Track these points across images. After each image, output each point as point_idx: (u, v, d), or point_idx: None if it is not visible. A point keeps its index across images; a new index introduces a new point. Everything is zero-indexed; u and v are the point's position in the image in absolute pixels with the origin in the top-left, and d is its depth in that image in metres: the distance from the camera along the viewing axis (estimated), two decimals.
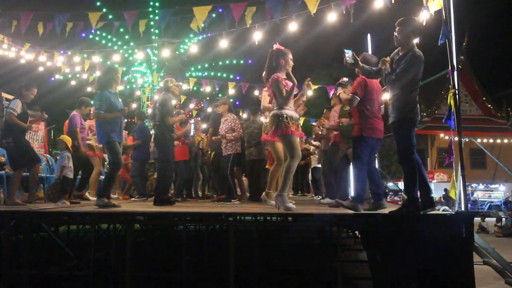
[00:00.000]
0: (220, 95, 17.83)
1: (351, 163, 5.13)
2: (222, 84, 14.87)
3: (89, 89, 14.84)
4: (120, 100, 5.94)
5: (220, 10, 8.81)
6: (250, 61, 22.01)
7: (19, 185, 6.84)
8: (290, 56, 5.20)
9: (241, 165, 8.99)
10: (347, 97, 5.25)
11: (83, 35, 14.80)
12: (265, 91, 6.26)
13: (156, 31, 18.54)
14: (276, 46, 5.23)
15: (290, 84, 5.07)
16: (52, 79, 14.12)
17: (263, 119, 7.07)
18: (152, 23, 17.55)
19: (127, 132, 9.92)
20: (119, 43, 19.17)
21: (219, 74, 21.32)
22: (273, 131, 5.00)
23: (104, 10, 16.40)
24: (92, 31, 15.38)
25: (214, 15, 10.93)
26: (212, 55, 20.85)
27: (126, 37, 18.84)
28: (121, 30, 16.43)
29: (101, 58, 13.37)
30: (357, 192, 4.84)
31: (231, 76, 21.12)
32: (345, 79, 6.12)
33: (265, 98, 6.53)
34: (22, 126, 6.10)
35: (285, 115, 4.91)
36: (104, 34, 18.94)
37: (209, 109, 15.59)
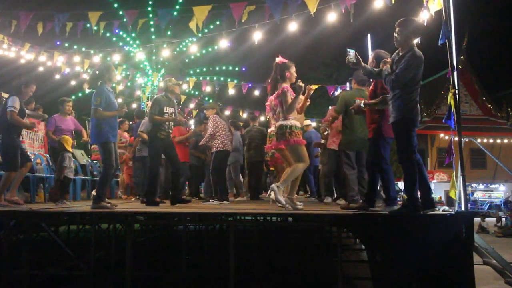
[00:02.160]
0: (207, 99, 17.87)
1: (376, 165, 5.06)
2: (222, 84, 14.86)
3: (85, 87, 14.79)
4: (118, 99, 5.94)
5: (223, 17, 8.84)
6: (244, 69, 21.99)
7: (19, 185, 6.83)
8: (294, 69, 5.40)
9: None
10: (374, 101, 5.01)
11: (117, 31, 14.77)
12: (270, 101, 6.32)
13: (168, 33, 18.50)
14: (279, 59, 5.41)
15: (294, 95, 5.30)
16: (66, 72, 13.96)
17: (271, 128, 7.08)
18: (151, 22, 17.53)
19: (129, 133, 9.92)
20: (127, 38, 19.06)
21: (215, 78, 21.27)
22: (280, 140, 5.25)
23: (116, 5, 16.46)
24: (115, 32, 15.52)
25: (218, 22, 10.90)
26: (212, 55, 20.82)
27: (133, 34, 18.80)
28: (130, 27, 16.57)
29: (101, 57, 13.34)
30: (393, 194, 4.85)
31: (237, 69, 21.22)
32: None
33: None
34: (25, 124, 6.01)
35: (290, 125, 5.16)
36: (108, 34, 18.87)
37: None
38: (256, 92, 13.42)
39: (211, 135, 7.26)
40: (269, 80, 5.49)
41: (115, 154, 5.67)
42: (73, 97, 17.53)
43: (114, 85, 14.35)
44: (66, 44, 13.30)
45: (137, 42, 18.81)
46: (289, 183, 5.19)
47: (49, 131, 7.32)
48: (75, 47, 14.00)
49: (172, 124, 6.62)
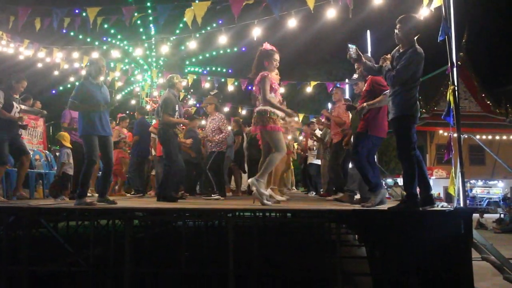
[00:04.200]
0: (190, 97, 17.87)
1: (353, 160, 5.11)
2: (221, 80, 14.82)
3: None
4: (106, 93, 5.63)
5: (220, 22, 8.79)
6: (230, 70, 21.68)
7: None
8: (275, 57, 5.29)
9: (237, 162, 9.02)
10: (378, 99, 5.02)
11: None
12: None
13: (177, 31, 18.53)
14: (264, 45, 5.33)
15: (277, 85, 5.22)
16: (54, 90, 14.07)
17: None
18: (150, 18, 17.52)
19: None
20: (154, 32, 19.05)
21: (216, 71, 21.12)
22: (257, 125, 5.19)
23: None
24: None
25: (214, 25, 10.85)
26: (210, 50, 20.79)
27: (119, 36, 18.77)
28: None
29: (99, 54, 13.29)
30: (373, 180, 4.87)
31: (224, 70, 20.99)
32: (355, 75, 6.01)
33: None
34: (7, 116, 5.96)
35: (268, 110, 5.09)
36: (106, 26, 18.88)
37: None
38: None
39: (226, 136, 7.32)
40: (253, 68, 5.41)
41: (107, 149, 5.51)
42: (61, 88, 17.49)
43: (116, 78, 14.37)
44: (72, 33, 13.27)
45: (125, 42, 18.71)
46: (266, 174, 5.13)
47: (64, 123, 7.15)
48: (80, 36, 13.99)
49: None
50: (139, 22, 18.17)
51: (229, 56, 21.43)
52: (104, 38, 16.56)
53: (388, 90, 4.77)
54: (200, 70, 21.73)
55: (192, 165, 9.09)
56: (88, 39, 16.61)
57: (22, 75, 6.40)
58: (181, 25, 18.46)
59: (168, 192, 6.28)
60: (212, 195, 7.18)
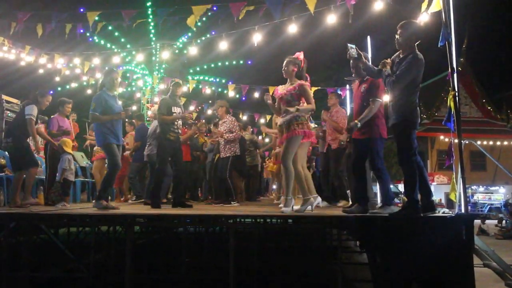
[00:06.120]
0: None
1: (375, 166, 4.98)
2: (221, 86, 14.85)
3: (89, 91, 14.88)
4: (119, 102, 5.98)
5: (213, 33, 8.78)
6: (250, 62, 21.67)
7: (20, 187, 6.83)
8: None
9: (238, 169, 8.99)
10: (368, 110, 4.87)
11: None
12: None
13: (183, 39, 18.60)
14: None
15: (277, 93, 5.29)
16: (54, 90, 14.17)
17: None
18: (152, 23, 17.57)
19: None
20: (122, 40, 19.06)
21: (216, 79, 21.08)
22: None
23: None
24: (92, 37, 15.68)
25: (209, 13, 10.88)
26: (211, 57, 20.78)
27: (122, 40, 18.77)
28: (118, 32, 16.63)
29: (101, 60, 13.32)
30: (390, 195, 4.82)
31: (224, 81, 20.94)
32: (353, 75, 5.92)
33: None
34: (35, 137, 6.33)
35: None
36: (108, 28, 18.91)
37: (209, 111, 15.58)
38: (256, 95, 13.40)
39: (236, 139, 7.31)
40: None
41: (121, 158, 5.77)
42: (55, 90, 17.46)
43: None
44: (87, 34, 13.36)
45: (128, 46, 18.70)
46: (301, 188, 5.11)
47: (52, 131, 7.12)
48: (95, 37, 14.06)
49: (181, 124, 6.68)
50: (150, 27, 18.25)
51: (231, 64, 21.45)
52: (90, 39, 16.54)
53: (378, 98, 4.79)
54: (201, 78, 21.76)
55: (193, 173, 9.10)
56: (102, 42, 16.67)
57: (47, 90, 6.58)
58: (189, 33, 18.51)
59: (156, 197, 6.31)
60: (232, 203, 7.16)
